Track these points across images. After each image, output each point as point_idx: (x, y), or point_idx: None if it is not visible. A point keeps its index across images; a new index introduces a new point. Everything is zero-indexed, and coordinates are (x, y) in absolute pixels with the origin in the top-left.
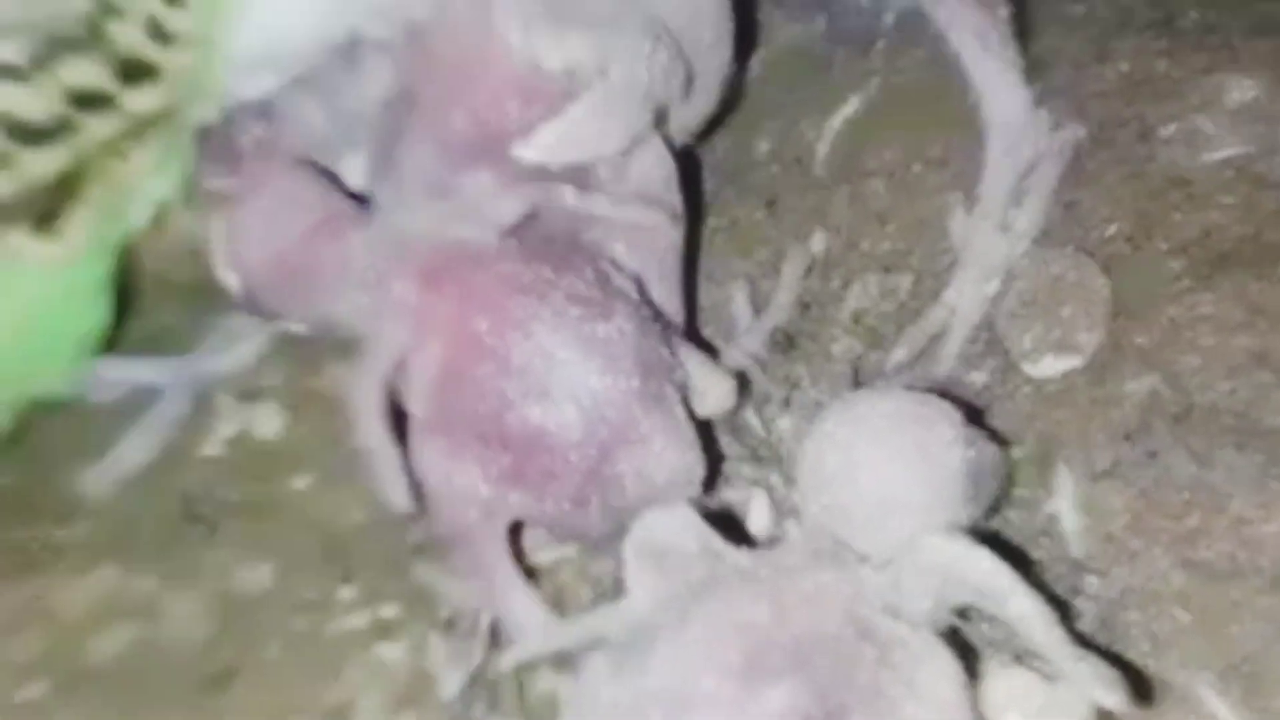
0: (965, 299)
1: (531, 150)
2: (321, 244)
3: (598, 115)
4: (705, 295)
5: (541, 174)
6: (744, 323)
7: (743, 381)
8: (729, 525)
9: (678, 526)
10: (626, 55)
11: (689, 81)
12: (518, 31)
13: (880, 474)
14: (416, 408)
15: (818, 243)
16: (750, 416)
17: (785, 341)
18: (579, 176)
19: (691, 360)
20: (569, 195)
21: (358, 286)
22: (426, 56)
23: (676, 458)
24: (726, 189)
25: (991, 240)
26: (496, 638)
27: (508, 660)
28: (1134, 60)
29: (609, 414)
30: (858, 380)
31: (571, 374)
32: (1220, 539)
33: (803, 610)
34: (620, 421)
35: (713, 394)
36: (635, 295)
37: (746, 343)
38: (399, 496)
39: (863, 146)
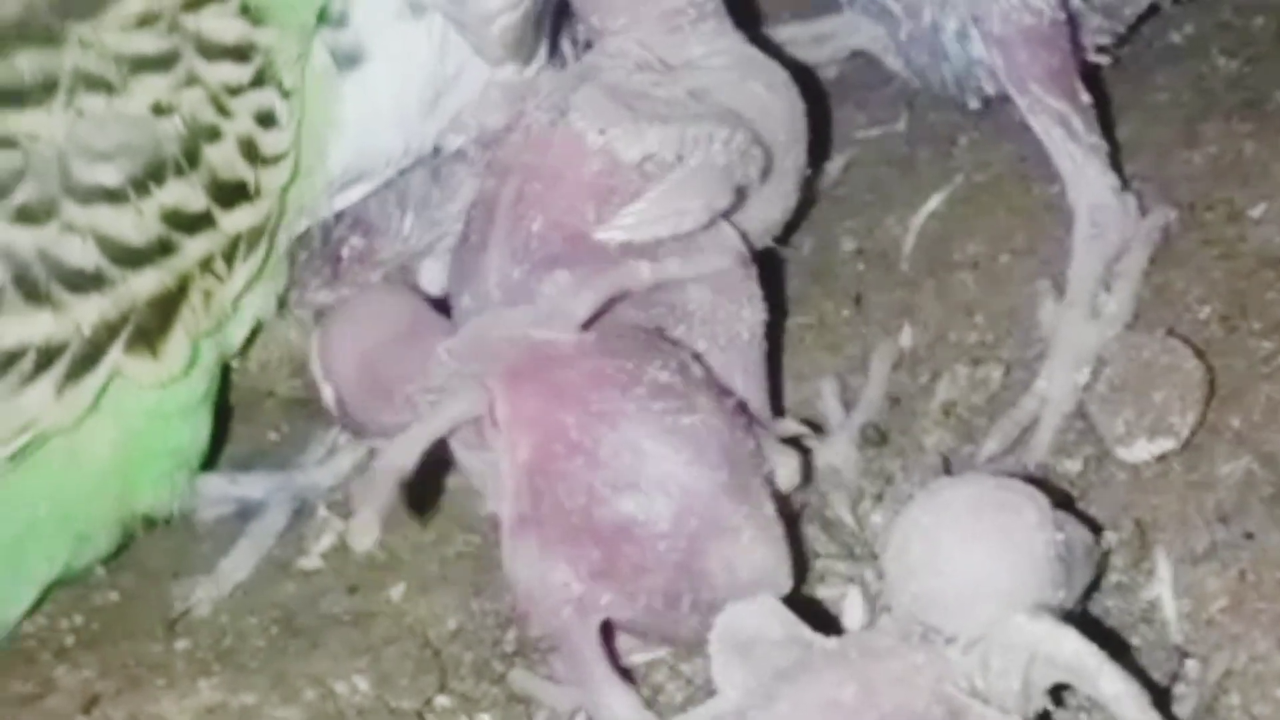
0: (1056, 387)
1: (613, 230)
2: (406, 352)
3: (678, 193)
4: (794, 393)
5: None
6: (834, 419)
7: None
8: (823, 623)
9: (763, 616)
10: (703, 142)
11: (769, 166)
12: (595, 131)
13: (965, 560)
14: (506, 509)
15: (906, 337)
16: (843, 513)
17: (877, 437)
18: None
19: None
20: (644, 270)
21: (439, 392)
22: (503, 163)
23: (765, 551)
24: (813, 287)
25: (1081, 327)
26: None
27: None
28: (1221, 143)
29: (697, 505)
30: (949, 473)
31: (659, 466)
32: None
33: (890, 690)
34: (709, 513)
35: (781, 471)
36: (719, 388)
37: (837, 439)
38: (368, 531)
39: (948, 240)
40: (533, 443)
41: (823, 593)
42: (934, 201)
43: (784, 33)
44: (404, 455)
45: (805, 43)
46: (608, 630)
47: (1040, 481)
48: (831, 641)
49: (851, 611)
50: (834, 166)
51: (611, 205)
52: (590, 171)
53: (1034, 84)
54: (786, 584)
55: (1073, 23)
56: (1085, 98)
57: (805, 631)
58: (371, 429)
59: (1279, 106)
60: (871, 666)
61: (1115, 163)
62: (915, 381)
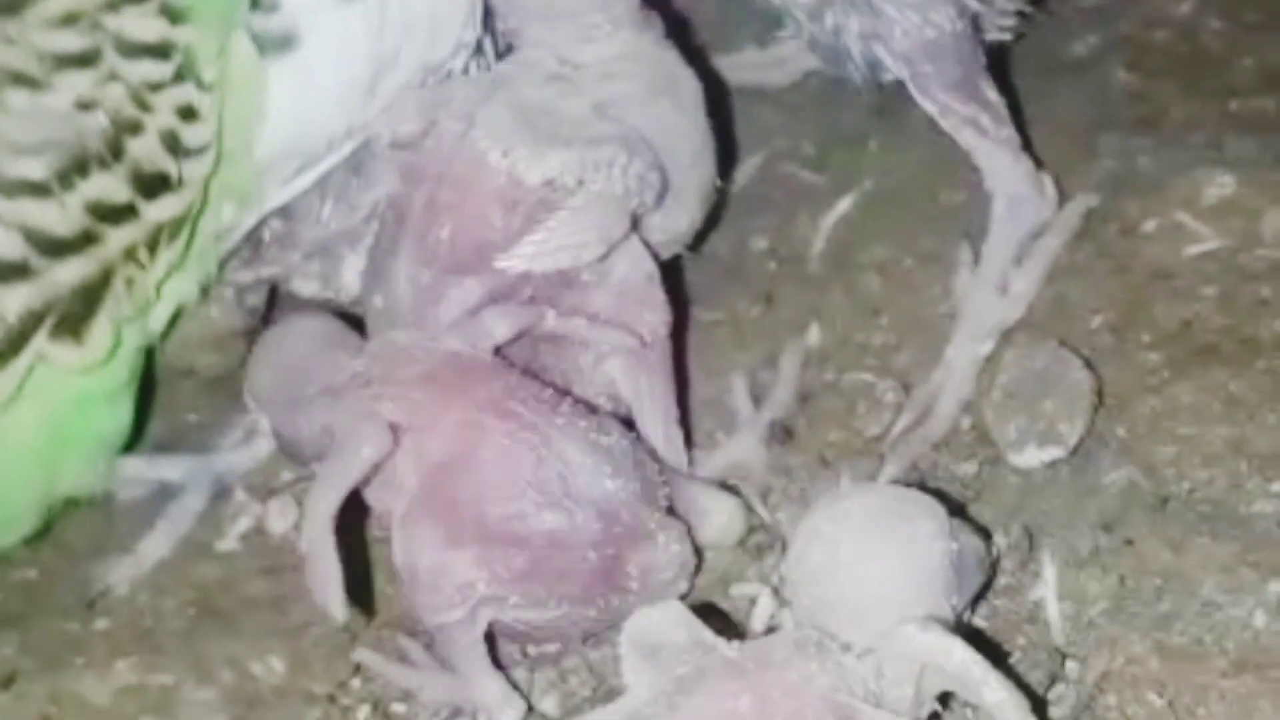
0: (960, 357)
1: (514, 260)
2: (318, 365)
3: (575, 226)
4: (704, 389)
5: (526, 281)
6: (744, 415)
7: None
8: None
9: (668, 621)
10: (603, 167)
11: (665, 191)
12: (498, 151)
13: (863, 570)
14: (401, 501)
15: (814, 336)
16: (753, 509)
17: (784, 433)
18: (562, 280)
19: (697, 485)
20: (550, 319)
21: (342, 396)
22: (416, 169)
23: (679, 552)
24: (725, 284)
25: (989, 299)
26: None
27: None
28: (1118, 158)
29: (623, 515)
30: (850, 470)
31: (587, 478)
32: (1191, 623)
33: (784, 701)
34: (631, 521)
35: (718, 516)
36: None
37: (745, 436)
38: (336, 608)
39: (856, 243)
40: (448, 447)
41: (734, 591)
42: (844, 204)
43: (741, 58)
44: (318, 528)
45: (766, 66)
46: None
47: (935, 490)
48: (732, 649)
49: (760, 609)
50: (750, 165)
51: (517, 217)
52: (495, 186)
53: (941, 93)
54: (691, 582)
55: (975, 22)
56: (994, 96)
57: (708, 636)
58: (305, 452)
59: (1175, 122)
60: (766, 676)
61: (1030, 150)
62: (821, 379)
